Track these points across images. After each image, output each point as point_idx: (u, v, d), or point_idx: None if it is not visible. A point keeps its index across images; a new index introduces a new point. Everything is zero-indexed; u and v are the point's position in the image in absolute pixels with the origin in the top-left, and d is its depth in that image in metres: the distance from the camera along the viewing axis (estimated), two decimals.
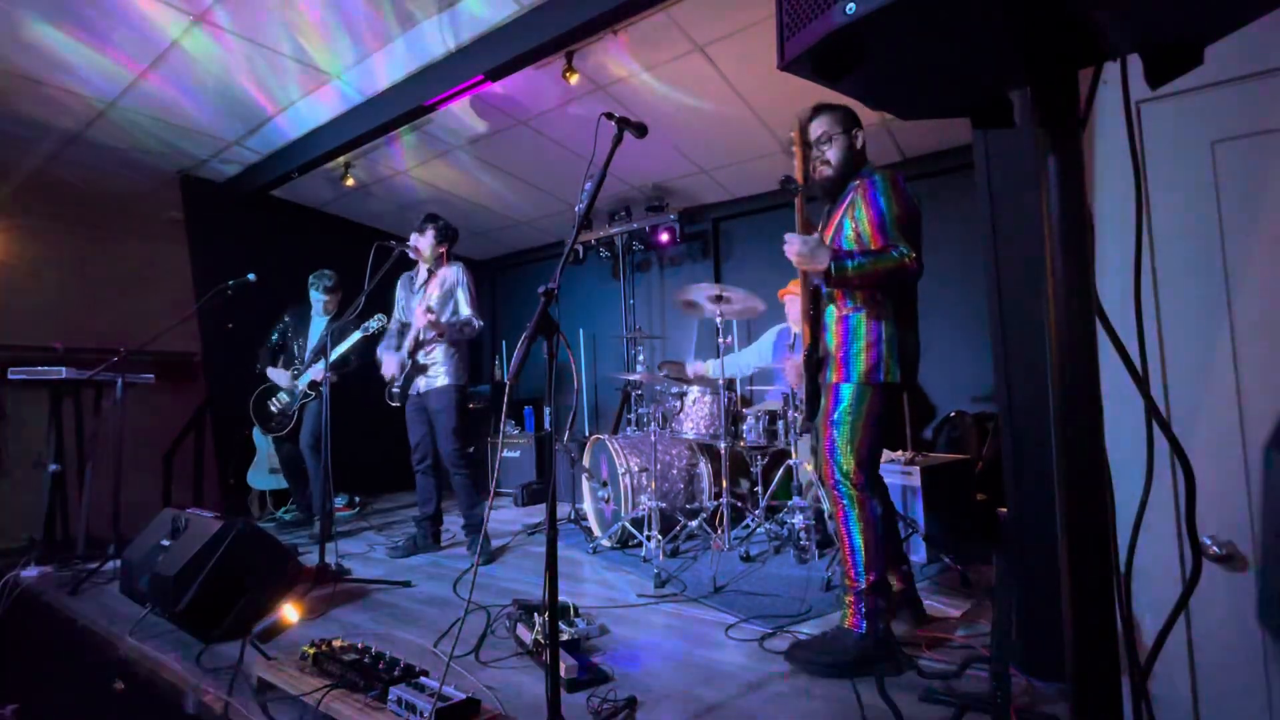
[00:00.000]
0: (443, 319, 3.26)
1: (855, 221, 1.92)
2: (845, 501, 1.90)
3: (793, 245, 1.84)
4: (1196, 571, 0.80)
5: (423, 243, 3.33)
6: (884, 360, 1.89)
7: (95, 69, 3.16)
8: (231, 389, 4.36)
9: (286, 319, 4.19)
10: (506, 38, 2.95)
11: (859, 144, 2.03)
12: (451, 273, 3.37)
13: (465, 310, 3.33)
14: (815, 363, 2.02)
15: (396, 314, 3.53)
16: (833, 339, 1.97)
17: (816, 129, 2.05)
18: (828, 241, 1.95)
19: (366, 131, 3.64)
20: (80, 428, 3.95)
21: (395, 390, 3.38)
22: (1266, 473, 1.18)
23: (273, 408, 4.09)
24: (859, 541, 1.87)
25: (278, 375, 4.06)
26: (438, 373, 3.31)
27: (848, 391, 1.91)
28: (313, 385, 3.97)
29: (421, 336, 3.30)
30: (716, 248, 5.27)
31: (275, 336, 4.18)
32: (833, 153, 2.03)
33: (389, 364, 3.39)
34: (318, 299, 4.10)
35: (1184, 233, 1.27)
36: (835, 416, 1.92)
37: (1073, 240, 0.62)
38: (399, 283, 3.55)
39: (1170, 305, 1.28)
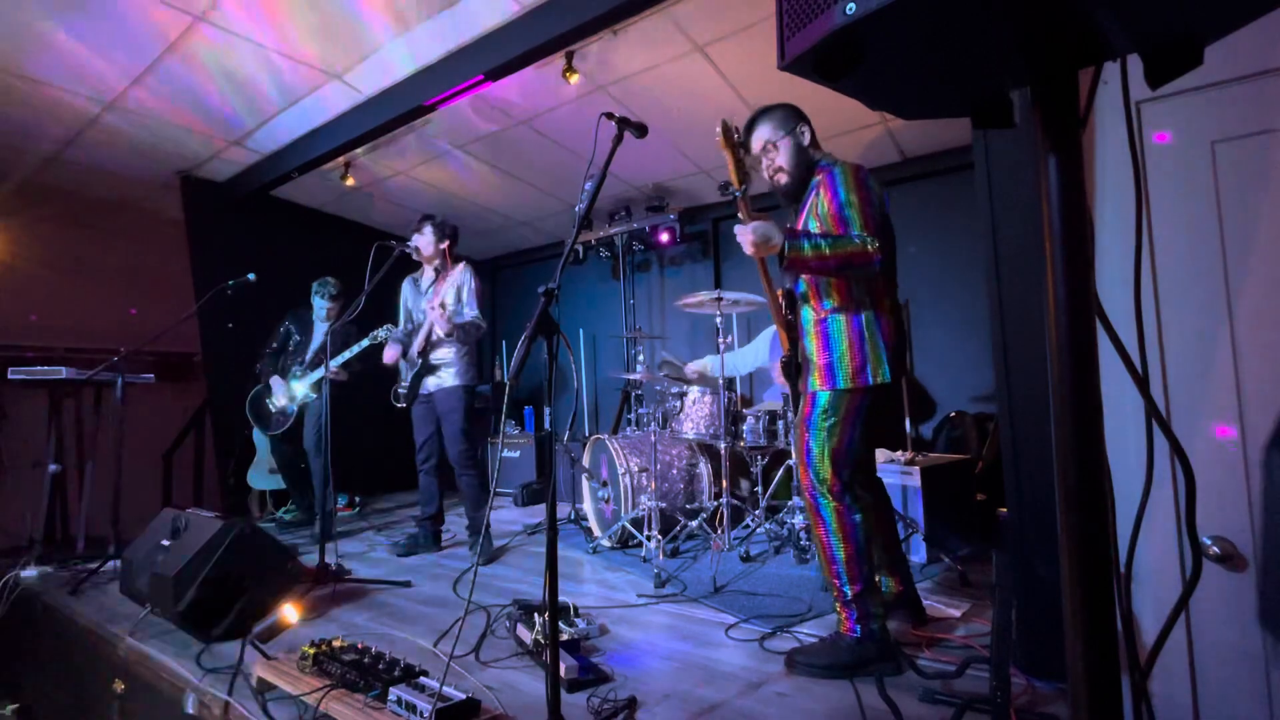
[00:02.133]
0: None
1: (819, 218, 1.85)
2: (822, 512, 1.85)
3: (744, 235, 1.75)
4: (1196, 571, 0.80)
5: (422, 242, 3.33)
6: (869, 361, 1.82)
7: (96, 69, 3.16)
8: (231, 389, 4.36)
9: (289, 324, 4.18)
10: (506, 38, 2.95)
11: (805, 139, 1.96)
12: (458, 273, 3.37)
13: (472, 310, 3.32)
14: (795, 369, 2.00)
15: (402, 317, 3.53)
16: (812, 344, 1.90)
17: (758, 142, 2.00)
18: None
19: (366, 131, 3.63)
20: (80, 428, 3.96)
21: (402, 390, 3.37)
22: (1266, 473, 1.18)
23: (270, 407, 4.09)
24: (840, 554, 1.82)
25: (278, 388, 4.05)
26: (448, 373, 3.31)
27: (825, 397, 1.85)
28: (315, 386, 3.97)
29: (434, 338, 3.29)
30: (716, 248, 5.27)
31: (277, 341, 4.17)
32: (782, 158, 1.98)
33: (391, 353, 3.39)
34: (321, 306, 4.10)
35: (1184, 233, 1.27)
36: (811, 421, 1.87)
37: (1073, 240, 0.62)
38: (404, 285, 3.55)
39: (1170, 305, 1.28)
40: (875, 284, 1.87)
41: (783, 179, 2.00)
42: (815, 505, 1.88)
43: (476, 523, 3.32)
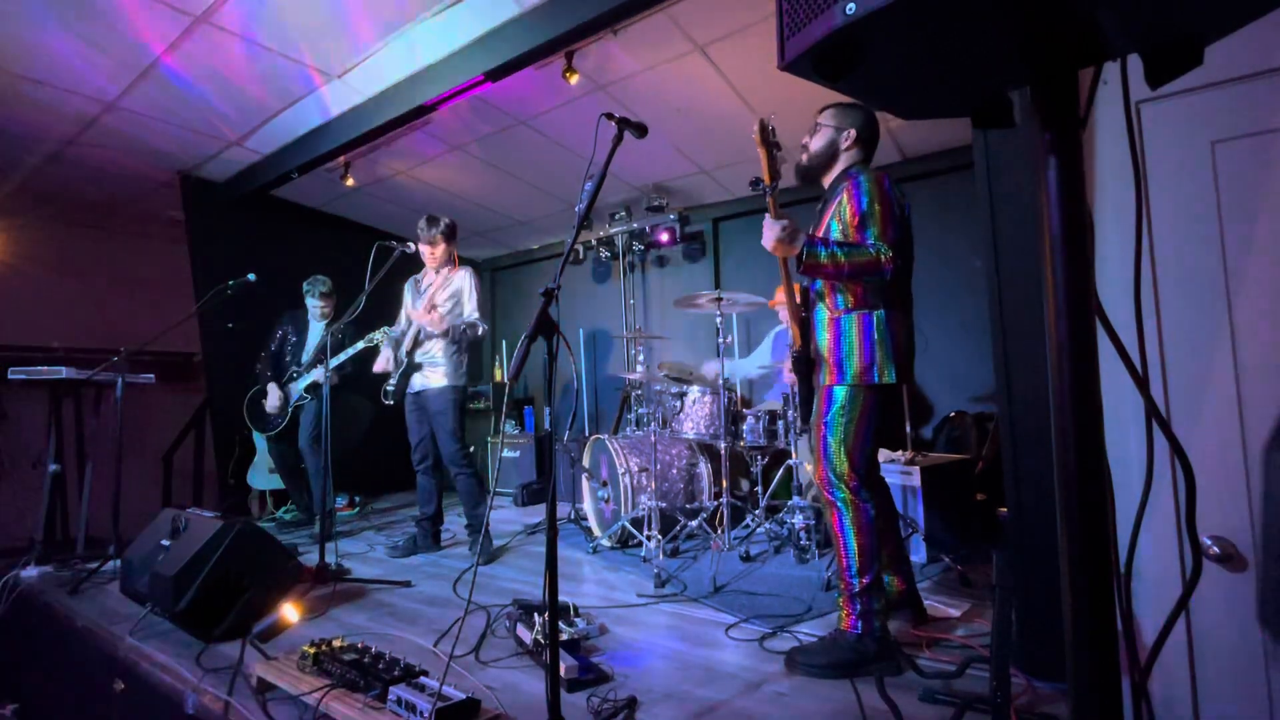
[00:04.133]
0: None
1: (841, 221, 1.92)
2: (839, 504, 1.90)
3: (771, 230, 1.85)
4: (1196, 571, 0.80)
5: (439, 250, 3.33)
6: (877, 361, 1.87)
7: (96, 69, 3.16)
8: (231, 389, 4.36)
9: (284, 325, 4.18)
10: (506, 38, 2.95)
11: (844, 143, 2.03)
12: (459, 276, 3.37)
13: (470, 313, 3.32)
14: (806, 364, 2.02)
15: (402, 318, 3.53)
16: (825, 341, 1.95)
17: (819, 116, 2.09)
18: None
19: (366, 131, 3.63)
20: (80, 428, 3.96)
21: (390, 388, 3.37)
22: (1266, 473, 1.18)
23: (266, 408, 4.09)
24: (853, 545, 1.87)
25: (272, 393, 4.04)
26: (436, 372, 3.31)
27: (841, 393, 1.91)
28: (310, 388, 3.96)
29: (422, 335, 3.30)
30: (716, 248, 5.26)
31: (274, 344, 4.17)
32: (814, 142, 2.07)
33: (383, 360, 3.39)
34: (314, 305, 4.10)
35: (1184, 233, 1.27)
36: (828, 418, 1.92)
37: (1073, 240, 0.62)
38: (406, 286, 3.55)
39: (1170, 305, 1.28)
40: (890, 287, 1.91)
41: (804, 157, 2.10)
42: (832, 499, 1.92)
43: (475, 522, 3.33)
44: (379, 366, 3.40)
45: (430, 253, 3.33)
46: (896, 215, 1.88)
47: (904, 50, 0.61)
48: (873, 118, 2.05)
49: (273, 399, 4.02)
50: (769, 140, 1.91)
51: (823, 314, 1.98)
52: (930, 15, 0.55)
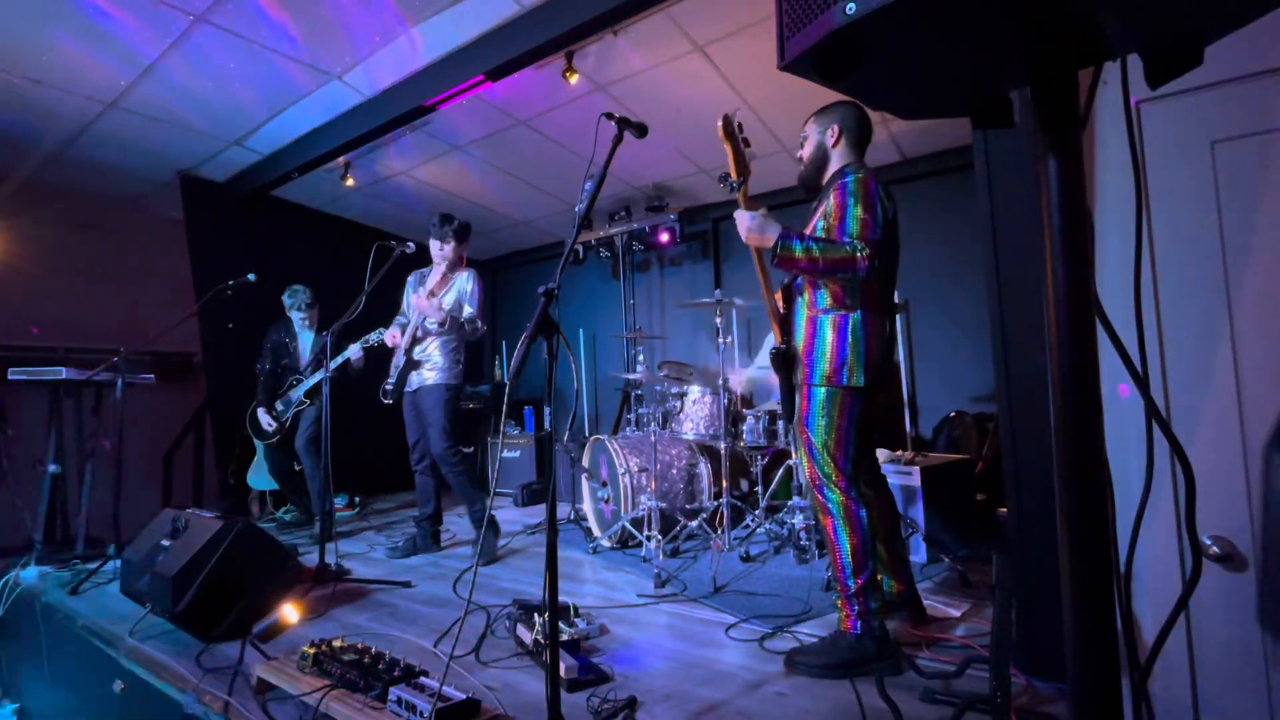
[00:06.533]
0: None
1: (826, 220, 1.93)
2: (830, 505, 1.90)
3: (742, 222, 1.90)
4: (1196, 571, 0.80)
5: (448, 249, 3.32)
6: (848, 363, 1.88)
7: (96, 69, 3.16)
8: (231, 389, 4.36)
9: (281, 334, 4.16)
10: (506, 38, 2.95)
11: (830, 139, 2.02)
12: (463, 277, 3.36)
13: (471, 314, 3.32)
14: (784, 360, 2.02)
15: (401, 313, 3.52)
16: (801, 338, 1.97)
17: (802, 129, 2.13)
18: None
19: (366, 131, 3.63)
20: (80, 428, 3.95)
21: (388, 388, 3.37)
22: (1266, 473, 1.18)
23: (264, 423, 4.10)
24: (845, 546, 1.86)
25: (264, 419, 4.05)
26: (431, 370, 3.30)
27: (818, 394, 1.91)
28: (310, 393, 3.96)
29: (420, 333, 3.29)
30: (716, 248, 5.27)
31: (268, 362, 4.13)
32: (805, 150, 2.09)
33: (393, 335, 3.38)
34: (298, 317, 4.10)
35: (1184, 232, 1.27)
36: (808, 419, 1.93)
37: (1073, 240, 0.62)
38: (409, 281, 3.54)
39: (1170, 305, 1.28)
40: (870, 289, 1.91)
41: (799, 168, 2.12)
42: (823, 499, 1.92)
43: (474, 518, 3.33)
44: (390, 339, 3.38)
45: (440, 250, 3.33)
46: (879, 215, 1.87)
47: (904, 50, 0.62)
48: (859, 111, 2.04)
49: (265, 422, 4.04)
50: (734, 135, 1.92)
51: (801, 311, 1.99)
52: (930, 15, 0.55)
